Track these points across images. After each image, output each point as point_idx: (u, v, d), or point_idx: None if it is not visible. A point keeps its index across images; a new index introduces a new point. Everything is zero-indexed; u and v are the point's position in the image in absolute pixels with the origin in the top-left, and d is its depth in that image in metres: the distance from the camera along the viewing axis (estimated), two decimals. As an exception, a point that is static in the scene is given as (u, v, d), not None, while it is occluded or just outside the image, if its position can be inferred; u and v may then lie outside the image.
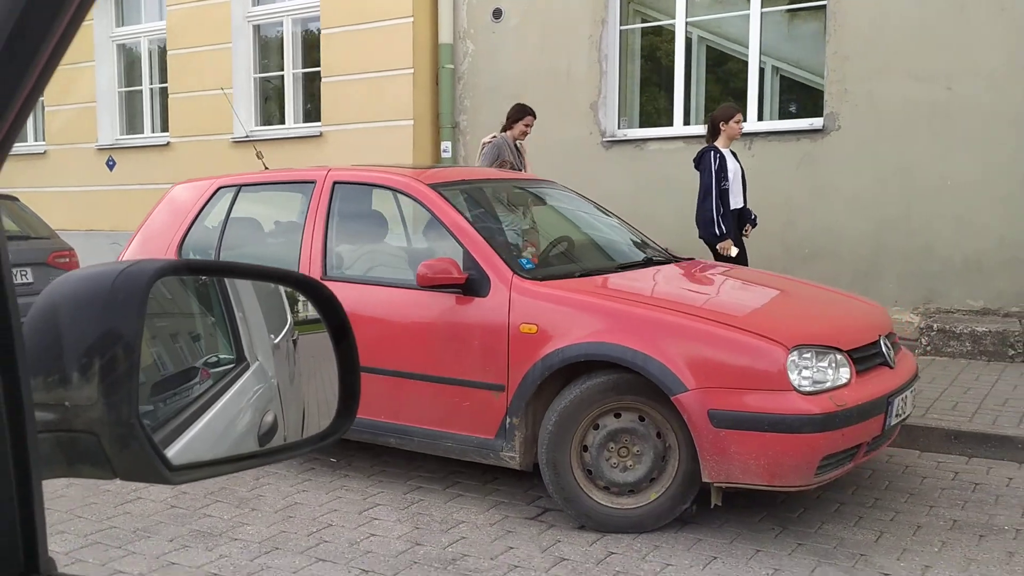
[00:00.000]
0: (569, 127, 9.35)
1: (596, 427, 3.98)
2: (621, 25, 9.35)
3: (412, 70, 9.85)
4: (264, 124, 11.40)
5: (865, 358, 4.01)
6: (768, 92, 9.08)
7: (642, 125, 9.49)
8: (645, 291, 4.32)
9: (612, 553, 3.76)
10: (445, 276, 4.21)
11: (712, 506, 3.93)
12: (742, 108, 8.78)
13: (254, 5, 11.25)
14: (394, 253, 4.95)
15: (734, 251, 6.85)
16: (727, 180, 6.87)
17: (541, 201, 5.49)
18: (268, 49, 11.45)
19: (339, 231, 4.86)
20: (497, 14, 9.78)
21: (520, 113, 7.55)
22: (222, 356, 1.01)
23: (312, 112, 10.92)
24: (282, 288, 1.08)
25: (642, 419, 3.94)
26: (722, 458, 3.69)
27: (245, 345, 1.03)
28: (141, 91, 12.36)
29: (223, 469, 0.89)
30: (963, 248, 7.65)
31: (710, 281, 4.83)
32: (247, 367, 1.03)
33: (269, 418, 1.01)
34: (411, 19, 9.82)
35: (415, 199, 4.63)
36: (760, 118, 8.72)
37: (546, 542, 3.88)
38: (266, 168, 5.87)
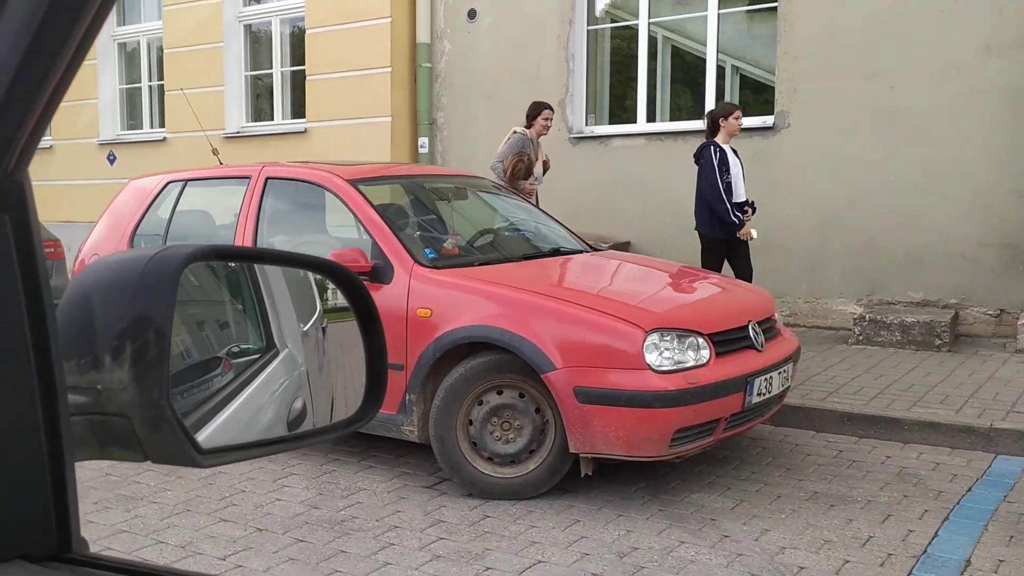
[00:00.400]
0: (538, 124, 9.68)
1: (480, 403, 4.34)
2: (589, 25, 9.69)
3: (390, 68, 10.24)
4: (255, 120, 11.84)
5: (729, 341, 4.34)
6: (728, 90, 9.38)
7: (611, 122, 9.82)
8: (532, 279, 4.68)
9: (488, 516, 4.13)
10: (352, 265, 4.58)
11: (583, 475, 4.29)
12: (700, 106, 9.14)
13: (245, 5, 11.69)
14: (320, 243, 5.33)
15: (754, 232, 7.04)
16: (729, 174, 7.07)
17: (466, 195, 5.84)
18: (259, 48, 11.88)
19: (270, 222, 5.25)
20: (472, 14, 10.15)
21: (537, 109, 7.77)
22: (246, 345, 1.01)
23: (300, 109, 11.33)
24: (311, 276, 1.09)
25: (522, 396, 4.30)
26: (586, 431, 4.04)
27: (275, 332, 1.04)
28: (140, 88, 12.86)
29: (252, 453, 0.91)
30: (905, 243, 7.93)
31: (599, 269, 5.18)
32: (276, 354, 1.03)
33: (298, 404, 1.02)
34: (389, 19, 10.20)
35: (334, 193, 5.01)
36: (717, 116, 9.01)
37: (432, 507, 4.26)
38: (221, 164, 6.29)
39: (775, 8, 8.46)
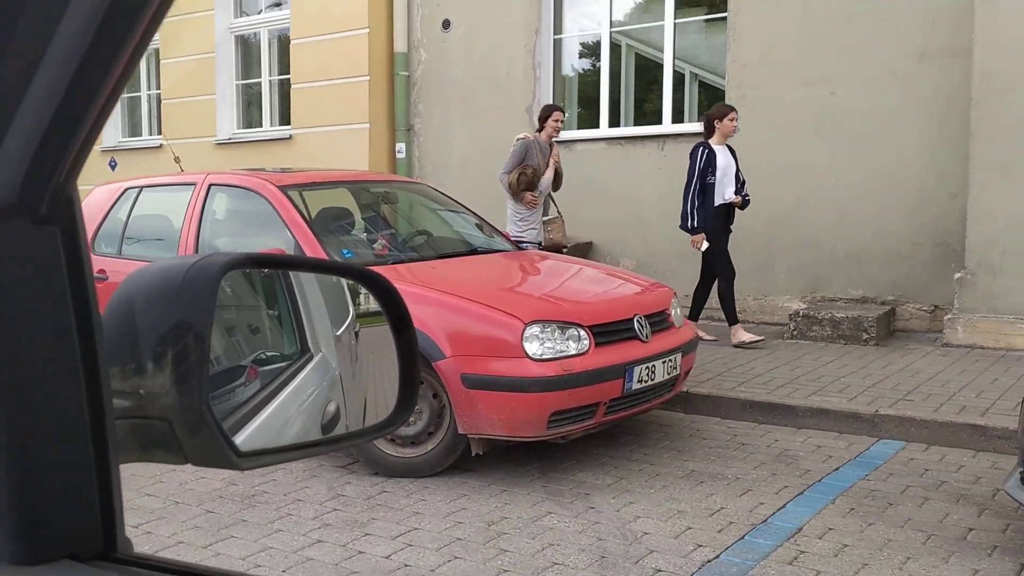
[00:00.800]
0: (508, 129, 10.05)
1: (384, 389, 4.75)
2: (555, 34, 10.10)
3: (368, 77, 10.70)
4: (246, 127, 12.34)
5: (611, 332, 4.74)
6: (687, 96, 9.75)
7: (579, 127, 10.20)
8: (437, 276, 5.09)
9: (385, 492, 4.55)
10: (275, 263, 5.01)
11: (473, 454, 4.69)
12: (659, 112, 9.51)
13: (236, 17, 12.20)
14: (254, 244, 5.76)
15: (704, 246, 7.35)
16: (713, 176, 7.37)
17: (396, 199, 6.27)
18: (249, 57, 12.39)
19: (211, 225, 5.71)
20: (446, 24, 10.58)
21: (547, 112, 7.81)
22: (273, 353, 1.02)
23: (287, 116, 11.81)
24: (344, 281, 1.10)
25: (421, 382, 4.71)
26: (472, 414, 4.45)
27: (309, 337, 1.05)
28: (140, 96, 13.43)
29: (288, 456, 0.93)
30: (845, 242, 8.27)
31: (505, 267, 5.59)
32: (311, 358, 1.04)
33: (332, 408, 1.03)
34: (367, 30, 10.66)
35: (265, 198, 5.45)
36: (674, 121, 9.41)
37: (338, 484, 4.68)
38: (182, 171, 6.76)
39: (726, 18, 8.82)
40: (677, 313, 5.41)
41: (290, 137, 11.41)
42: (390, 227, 6.00)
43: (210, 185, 5.75)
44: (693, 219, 7.37)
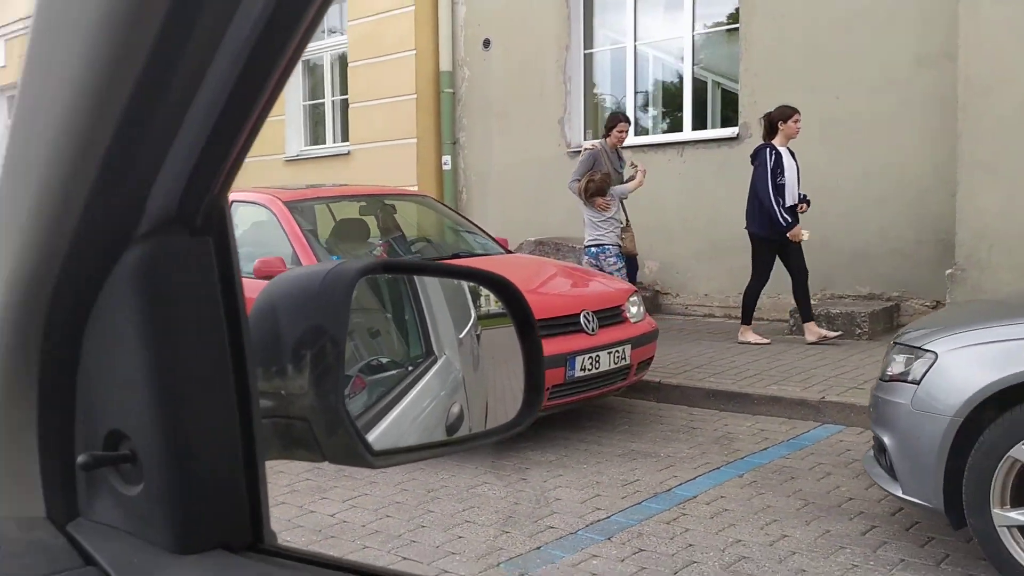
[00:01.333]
0: (542, 141, 10.73)
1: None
2: (585, 49, 10.66)
3: (415, 95, 11.47)
4: (312, 144, 13.28)
5: (557, 326, 5.30)
6: (709, 104, 10.17)
7: (612, 136, 10.72)
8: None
9: (317, 468, 5.20)
10: (273, 270, 5.75)
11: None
12: (679, 120, 9.97)
13: (302, 43, 13.13)
14: (264, 252, 6.52)
15: (805, 234, 7.57)
16: (783, 176, 7.64)
17: (394, 211, 6.96)
18: (315, 80, 13.32)
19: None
20: (486, 44, 11.27)
21: (612, 121, 8.10)
22: (385, 360, 1.03)
23: (347, 133, 12.69)
24: (465, 285, 1.10)
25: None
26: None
27: (433, 340, 1.06)
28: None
29: (417, 455, 0.96)
30: (851, 241, 8.59)
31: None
32: (435, 361, 1.05)
33: (456, 409, 1.04)
34: (414, 51, 11.43)
35: (271, 211, 6.21)
36: (694, 128, 9.86)
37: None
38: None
39: (737, 29, 9.25)
40: (637, 311, 5.92)
41: (348, 153, 12.27)
42: (390, 235, 6.69)
43: (230, 201, 6.54)
44: (784, 216, 7.52)
